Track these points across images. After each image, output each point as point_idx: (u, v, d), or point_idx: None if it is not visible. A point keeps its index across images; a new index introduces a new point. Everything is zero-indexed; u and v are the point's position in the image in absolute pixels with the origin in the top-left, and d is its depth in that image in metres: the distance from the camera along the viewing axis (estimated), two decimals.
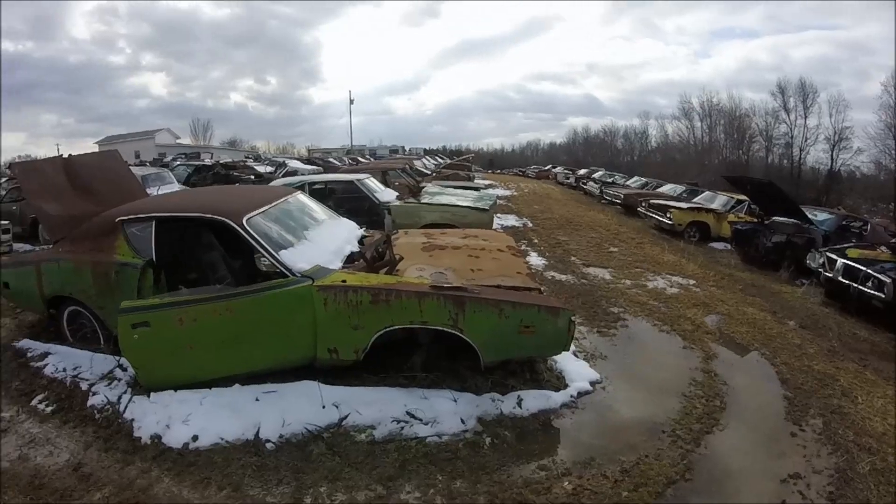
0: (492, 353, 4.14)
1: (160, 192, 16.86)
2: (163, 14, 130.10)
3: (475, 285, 4.16)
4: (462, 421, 4.06)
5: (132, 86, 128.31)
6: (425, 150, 67.22)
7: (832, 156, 46.22)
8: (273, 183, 11.50)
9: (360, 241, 5.49)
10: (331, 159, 34.35)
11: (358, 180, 9.81)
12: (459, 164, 25.49)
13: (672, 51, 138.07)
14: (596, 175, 32.44)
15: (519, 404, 4.29)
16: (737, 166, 47.49)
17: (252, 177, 20.66)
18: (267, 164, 26.49)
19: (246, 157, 36.38)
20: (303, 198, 5.87)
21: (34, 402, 4.79)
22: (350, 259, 4.76)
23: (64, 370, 5.12)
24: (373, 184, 10.06)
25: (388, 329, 4.02)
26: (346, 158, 37.51)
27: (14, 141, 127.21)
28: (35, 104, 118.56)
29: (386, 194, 9.88)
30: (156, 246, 4.65)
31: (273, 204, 4.98)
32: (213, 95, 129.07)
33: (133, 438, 4.05)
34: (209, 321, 4.03)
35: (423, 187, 11.34)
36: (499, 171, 57.34)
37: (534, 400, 4.36)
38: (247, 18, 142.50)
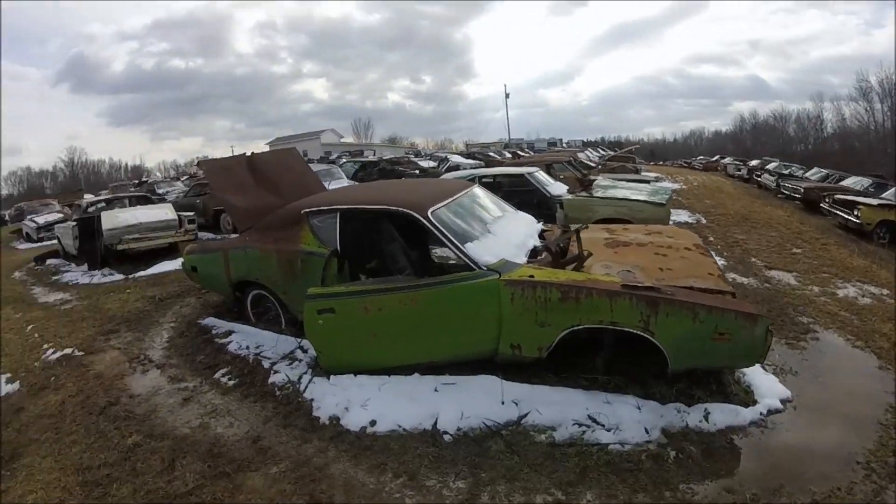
0: (681, 359, 3.84)
1: (331, 187, 18.45)
2: (318, 24, 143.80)
3: (667, 286, 3.88)
4: (646, 430, 3.76)
5: (296, 92, 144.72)
6: (584, 141, 65.97)
7: None
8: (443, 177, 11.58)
9: (541, 236, 5.40)
10: (490, 153, 34.16)
11: (528, 173, 9.59)
12: (624, 156, 24.44)
13: (840, 22, 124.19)
14: (770, 166, 29.45)
15: (706, 418, 3.89)
16: None
17: (416, 171, 20.97)
18: (429, 160, 27.36)
19: (406, 153, 37.71)
20: (480, 191, 5.85)
21: (217, 374, 5.15)
22: (532, 253, 4.65)
23: (247, 348, 5.45)
24: (542, 177, 9.84)
25: (574, 328, 3.87)
26: (505, 152, 37.24)
27: (191, 145, 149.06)
28: (209, 112, 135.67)
29: (556, 187, 9.57)
30: (339, 236, 4.80)
31: (454, 197, 4.97)
32: (371, 96, 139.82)
33: (312, 418, 4.18)
34: (394, 311, 4.09)
35: (594, 180, 10.89)
36: (661, 162, 54.20)
37: (721, 414, 3.94)
38: (397, 21, 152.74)
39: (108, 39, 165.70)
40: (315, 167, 17.03)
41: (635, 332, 3.77)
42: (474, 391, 4.08)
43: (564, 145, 61.07)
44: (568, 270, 4.16)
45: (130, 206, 12.39)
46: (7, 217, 31.63)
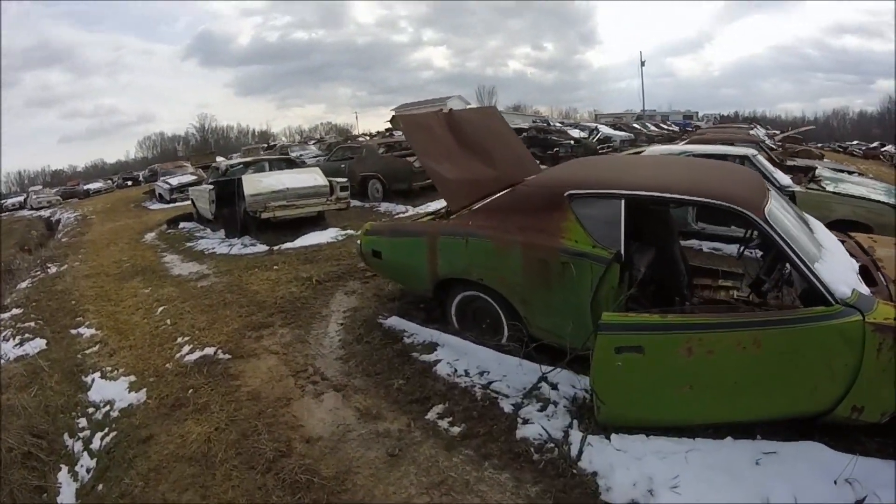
0: None
1: None
2: None
3: None
4: None
5: (416, 60, 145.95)
6: (720, 115, 60.96)
7: None
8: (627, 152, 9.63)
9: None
10: (634, 125, 32.06)
11: (753, 156, 7.88)
12: (794, 138, 20.97)
13: None
14: None
15: None
16: None
17: (571, 142, 19.76)
18: (580, 130, 25.41)
19: (534, 121, 35.71)
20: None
21: (431, 414, 3.63)
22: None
23: (465, 373, 3.98)
24: (766, 161, 7.98)
25: None
26: (648, 124, 34.96)
27: (315, 111, 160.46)
28: (331, 80, 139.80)
29: (781, 176, 7.53)
30: (623, 234, 3.58)
31: (769, 190, 3.66)
32: (492, 64, 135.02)
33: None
34: (728, 355, 3.01)
35: (815, 169, 8.88)
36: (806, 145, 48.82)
37: None
38: None
39: (233, 15, 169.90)
40: None
41: None
42: (800, 464, 3.03)
43: (700, 118, 56.55)
44: None
45: (272, 169, 11.13)
46: (141, 178, 32.73)
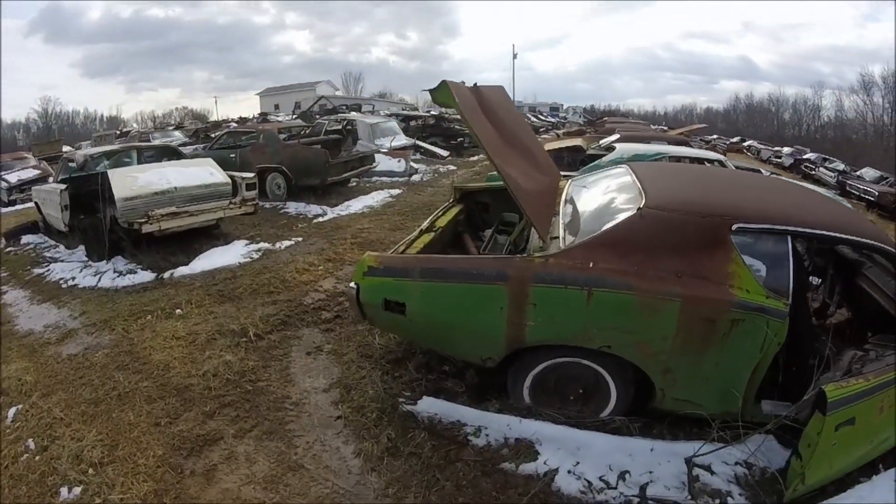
0: None
1: (394, 145, 14.79)
2: None
3: None
4: None
5: (278, 43, 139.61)
6: (584, 108, 62.88)
7: None
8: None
9: None
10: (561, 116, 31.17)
11: (722, 161, 7.94)
12: (686, 135, 20.87)
13: (838, 9, 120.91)
14: (834, 165, 26.45)
15: None
16: None
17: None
18: None
19: (403, 109, 34.08)
20: None
21: None
22: None
23: (603, 482, 2.83)
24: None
25: None
26: (530, 115, 34.79)
27: (169, 95, 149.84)
28: (188, 62, 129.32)
29: None
30: (793, 280, 3.02)
31: None
32: (355, 51, 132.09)
33: None
34: None
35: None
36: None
37: None
38: None
39: None
40: (373, 119, 14.99)
41: None
42: None
43: (566, 111, 58.25)
44: None
45: (146, 160, 8.16)
46: None
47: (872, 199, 18.15)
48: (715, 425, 2.86)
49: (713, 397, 3.00)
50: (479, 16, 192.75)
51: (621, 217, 3.08)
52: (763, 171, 10.80)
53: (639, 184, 3.36)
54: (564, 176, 7.24)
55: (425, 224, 4.36)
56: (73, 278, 6.06)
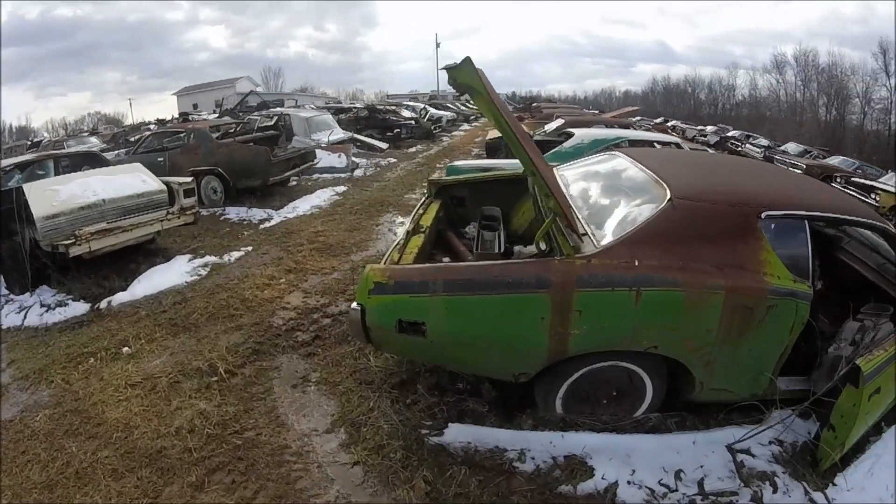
0: None
1: (332, 139, 13.92)
2: None
3: None
4: None
5: (192, 39, 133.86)
6: (507, 95, 61.89)
7: None
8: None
9: None
10: (448, 104, 31.54)
11: (679, 143, 8.06)
12: (624, 116, 21.00)
13: None
14: (760, 141, 28.17)
15: None
16: (835, 128, 43.48)
17: (412, 122, 18.39)
18: (410, 111, 23.53)
19: (326, 103, 32.99)
20: None
21: None
22: None
23: (664, 486, 2.74)
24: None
25: None
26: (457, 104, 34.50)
27: (80, 100, 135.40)
28: (98, 64, 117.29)
29: None
30: (811, 263, 3.17)
31: None
32: (273, 45, 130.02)
33: None
34: None
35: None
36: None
37: None
38: None
39: None
40: (307, 113, 14.45)
41: None
42: None
43: None
44: None
45: (65, 170, 7.07)
46: None
47: (801, 172, 18.97)
48: (770, 410, 3.01)
49: (745, 382, 3.05)
50: (397, 6, 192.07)
51: (647, 209, 2.96)
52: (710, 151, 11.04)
53: (651, 172, 3.30)
54: None
55: (409, 225, 3.92)
56: None
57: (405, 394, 3.41)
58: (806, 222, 3.19)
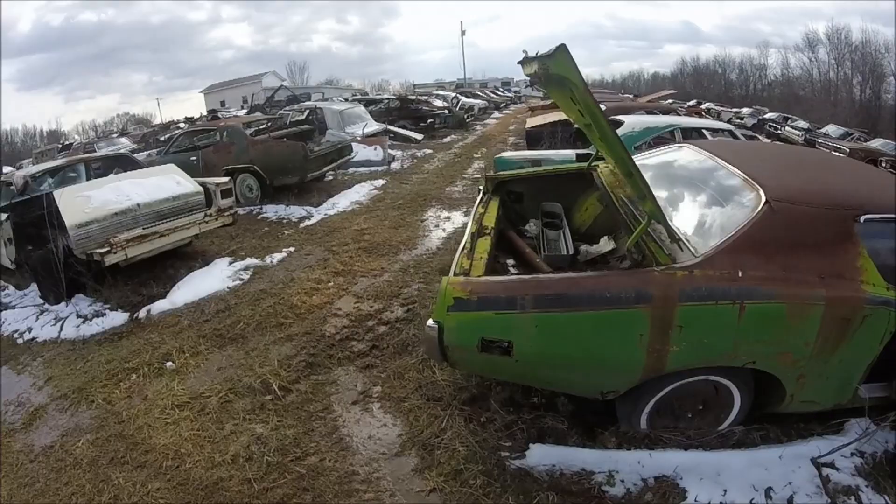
0: None
1: (366, 132, 13.64)
2: None
3: None
4: None
5: (215, 38, 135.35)
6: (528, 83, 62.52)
7: None
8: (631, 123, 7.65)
9: None
10: (478, 92, 31.34)
11: (732, 130, 7.60)
12: (660, 99, 20.26)
13: None
14: (798, 124, 26.92)
15: None
16: (870, 108, 41.70)
17: (445, 111, 18.09)
18: (442, 100, 23.33)
19: (353, 95, 32.91)
20: None
21: None
22: None
23: None
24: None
25: None
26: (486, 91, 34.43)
27: (109, 102, 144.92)
28: (124, 66, 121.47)
29: None
30: None
31: None
32: (296, 39, 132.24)
33: None
34: None
35: None
36: None
37: None
38: None
39: None
40: (340, 106, 14.19)
41: None
42: None
43: (516, 84, 56.79)
44: None
45: (97, 175, 6.76)
46: None
47: (845, 156, 18.34)
48: (865, 421, 2.89)
49: (832, 393, 2.93)
50: None
51: (741, 212, 2.77)
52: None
53: (737, 170, 3.09)
54: (579, 156, 6.58)
55: (472, 226, 3.56)
56: (30, 329, 4.84)
57: (478, 411, 3.09)
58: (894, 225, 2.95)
